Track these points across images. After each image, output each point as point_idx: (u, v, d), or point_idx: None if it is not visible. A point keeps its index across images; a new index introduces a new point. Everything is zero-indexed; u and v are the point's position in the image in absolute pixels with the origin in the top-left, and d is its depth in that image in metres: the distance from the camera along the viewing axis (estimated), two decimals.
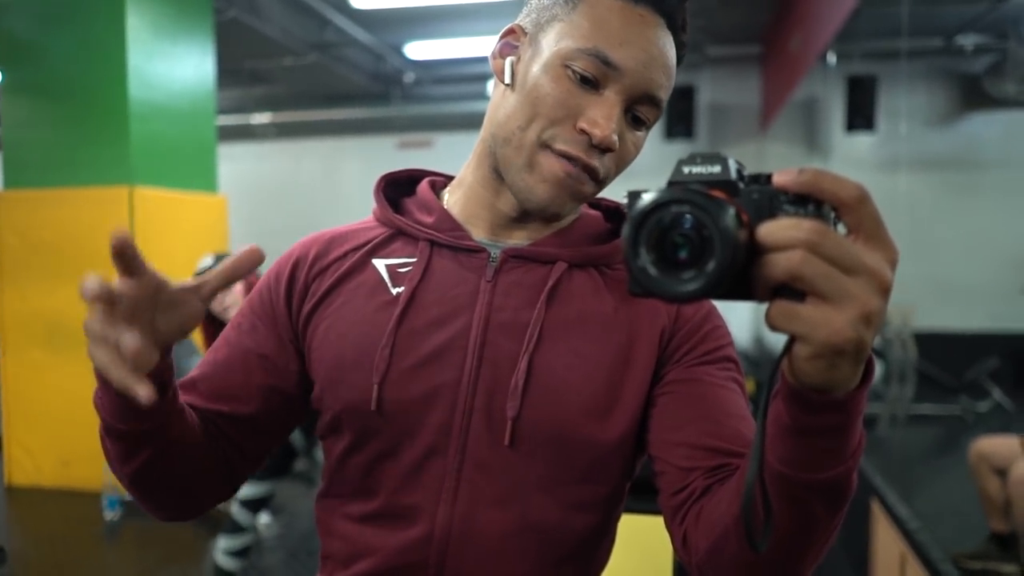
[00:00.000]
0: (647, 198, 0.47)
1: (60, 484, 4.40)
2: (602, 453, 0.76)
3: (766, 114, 6.57)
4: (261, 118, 7.74)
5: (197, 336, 3.73)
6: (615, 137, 0.72)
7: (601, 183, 0.77)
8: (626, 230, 0.47)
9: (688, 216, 0.45)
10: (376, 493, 0.79)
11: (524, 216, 0.81)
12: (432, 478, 0.76)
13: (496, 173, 0.79)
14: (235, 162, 7.36)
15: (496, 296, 0.78)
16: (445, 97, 7.58)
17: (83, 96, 4.30)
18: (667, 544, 1.28)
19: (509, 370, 0.75)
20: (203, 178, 4.82)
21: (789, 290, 0.45)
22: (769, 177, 0.48)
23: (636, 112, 0.75)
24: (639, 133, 0.77)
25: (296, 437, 2.69)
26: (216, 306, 2.72)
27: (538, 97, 0.73)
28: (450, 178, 0.89)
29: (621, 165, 0.77)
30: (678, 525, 0.70)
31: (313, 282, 0.82)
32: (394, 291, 0.79)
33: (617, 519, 0.84)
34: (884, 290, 0.45)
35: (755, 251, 0.46)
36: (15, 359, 4.50)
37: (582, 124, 0.72)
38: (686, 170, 0.50)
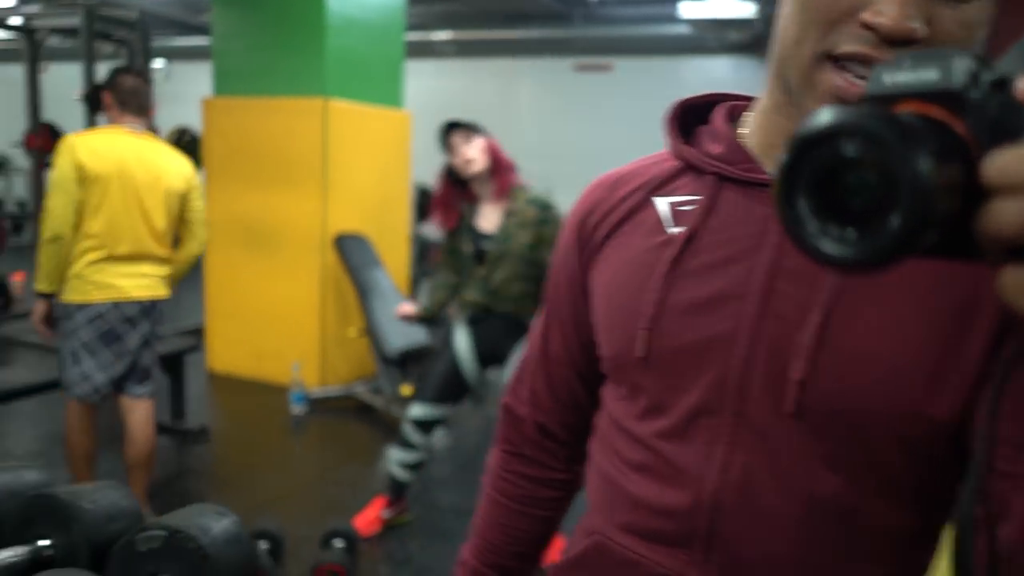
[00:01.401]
0: (813, 122, 0.34)
1: (252, 375, 4.78)
2: (915, 437, 0.63)
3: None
4: (442, 35, 7.76)
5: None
6: (912, 24, 0.55)
7: None
8: (779, 163, 0.35)
9: (864, 153, 0.32)
10: (644, 445, 0.73)
11: None
12: (702, 439, 0.68)
13: (790, 95, 0.66)
14: (415, 78, 7.47)
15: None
16: (629, 19, 7.25)
17: (285, 9, 4.45)
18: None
19: (798, 325, 0.64)
20: (390, 93, 4.91)
21: None
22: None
23: None
24: (967, 6, 0.57)
25: (470, 369, 2.70)
26: (457, 160, 2.70)
27: None
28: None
29: None
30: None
31: (597, 228, 0.78)
32: (673, 230, 0.72)
33: (941, 523, 0.70)
34: None
35: (982, 193, 0.32)
36: (217, 256, 4.85)
37: (865, 17, 0.56)
38: (887, 79, 0.36)
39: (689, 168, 0.74)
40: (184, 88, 8.06)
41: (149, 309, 2.68)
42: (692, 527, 0.69)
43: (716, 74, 7.51)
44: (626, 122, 7.59)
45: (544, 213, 2.52)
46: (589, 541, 0.78)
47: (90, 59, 4.78)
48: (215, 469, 3.65)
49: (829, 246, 0.35)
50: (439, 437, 3.87)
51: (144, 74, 4.92)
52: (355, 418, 4.28)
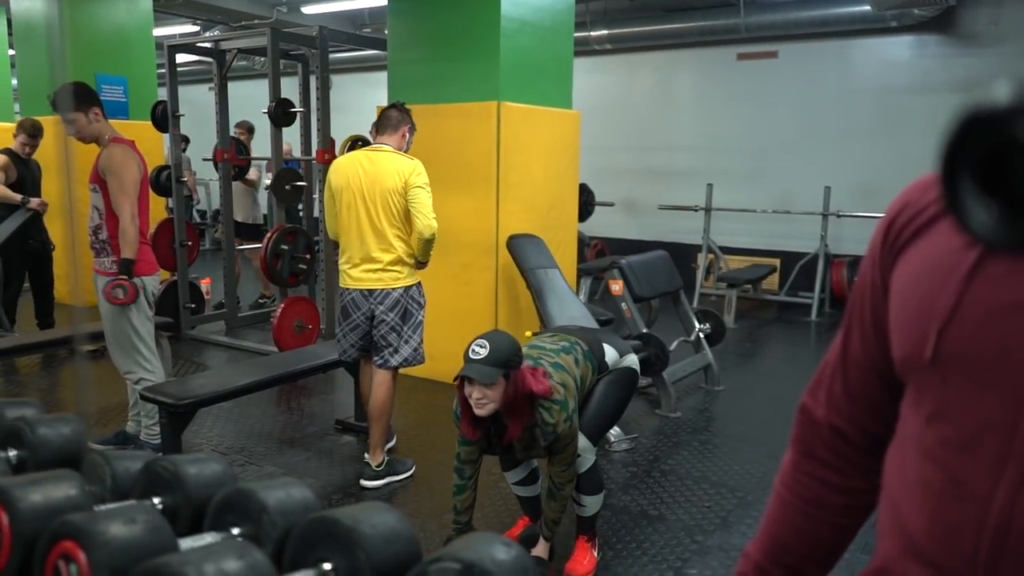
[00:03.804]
0: (992, 97, 0.33)
1: (424, 374, 4.88)
2: None
3: None
4: (601, 31, 7.71)
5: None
6: None
7: None
8: (945, 139, 0.34)
9: None
10: (927, 454, 0.70)
11: None
12: (991, 455, 0.64)
13: None
14: (575, 75, 7.49)
15: None
16: (795, 1, 6.87)
17: (459, 16, 4.52)
18: None
19: None
20: (560, 93, 4.89)
21: None
22: None
23: None
24: None
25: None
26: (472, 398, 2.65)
27: None
28: None
29: None
30: None
31: (904, 228, 0.77)
32: None
33: None
34: None
35: None
36: None
37: None
38: None
39: None
40: (345, 99, 8.41)
41: (368, 295, 3.37)
42: (973, 550, 0.65)
43: (894, 55, 6.95)
44: (793, 111, 7.20)
45: (554, 443, 2.50)
46: (871, 567, 0.78)
47: (275, 76, 5.06)
48: None
49: (986, 225, 0.34)
50: (617, 439, 3.79)
51: (324, 86, 5.17)
52: None
